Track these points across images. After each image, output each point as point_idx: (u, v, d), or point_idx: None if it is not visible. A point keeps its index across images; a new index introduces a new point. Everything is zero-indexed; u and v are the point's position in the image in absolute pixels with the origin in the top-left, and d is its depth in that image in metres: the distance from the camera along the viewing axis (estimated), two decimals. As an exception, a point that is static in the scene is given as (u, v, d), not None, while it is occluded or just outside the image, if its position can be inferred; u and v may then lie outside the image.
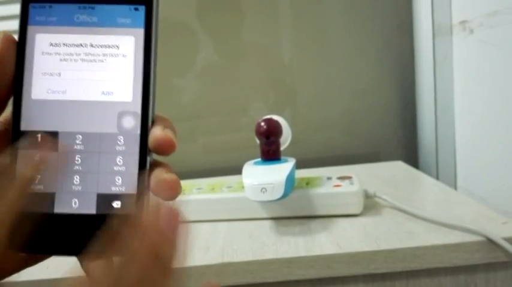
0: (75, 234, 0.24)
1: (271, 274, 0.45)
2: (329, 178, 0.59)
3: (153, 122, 0.25)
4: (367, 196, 0.57)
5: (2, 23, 0.86)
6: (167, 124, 0.25)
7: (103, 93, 0.25)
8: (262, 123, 0.58)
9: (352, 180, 0.57)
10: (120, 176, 0.25)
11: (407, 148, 0.91)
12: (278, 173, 0.52)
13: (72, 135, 0.25)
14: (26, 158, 0.23)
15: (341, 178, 0.59)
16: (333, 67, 0.90)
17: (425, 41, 0.81)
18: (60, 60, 0.25)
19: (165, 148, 0.24)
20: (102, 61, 0.25)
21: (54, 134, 0.25)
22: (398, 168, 0.81)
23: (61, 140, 0.24)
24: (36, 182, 0.24)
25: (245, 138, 0.85)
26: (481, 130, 0.69)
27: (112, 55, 0.25)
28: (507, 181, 0.61)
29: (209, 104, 0.92)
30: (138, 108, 0.25)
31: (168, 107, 0.90)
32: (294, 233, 0.51)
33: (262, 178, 0.51)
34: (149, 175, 0.25)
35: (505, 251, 0.43)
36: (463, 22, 0.72)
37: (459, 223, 0.47)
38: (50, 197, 0.24)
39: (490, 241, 0.44)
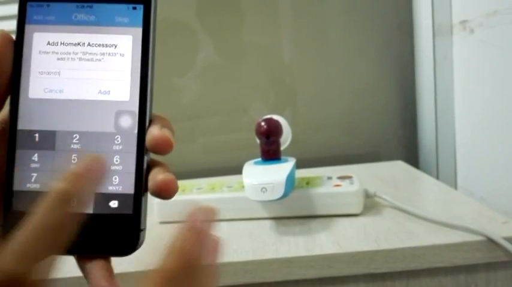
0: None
1: (271, 274, 0.45)
2: (329, 178, 0.59)
3: (150, 122, 0.25)
4: (368, 196, 0.57)
5: (1, 23, 0.86)
6: (165, 123, 0.25)
7: (100, 92, 0.25)
8: (263, 123, 0.58)
9: (352, 180, 0.57)
10: (117, 175, 0.24)
11: (407, 148, 0.91)
12: (278, 173, 0.52)
13: (69, 134, 0.24)
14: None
15: (341, 178, 0.59)
16: (333, 67, 0.90)
17: (425, 41, 0.81)
18: (58, 59, 0.25)
19: (162, 147, 0.24)
20: (100, 60, 0.25)
21: (51, 133, 0.25)
22: (398, 168, 0.81)
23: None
24: (32, 180, 0.24)
25: (245, 138, 0.85)
26: (481, 130, 0.69)
27: (110, 54, 0.25)
28: (507, 180, 0.61)
29: (209, 104, 0.92)
30: (135, 107, 0.25)
31: (168, 107, 0.90)
32: (294, 233, 0.51)
33: (262, 178, 0.51)
34: (147, 175, 0.25)
35: (505, 250, 0.43)
36: (463, 22, 0.72)
37: (459, 223, 0.47)
38: None
39: (491, 241, 0.44)
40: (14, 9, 0.26)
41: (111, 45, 0.25)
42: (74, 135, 0.24)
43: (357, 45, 0.90)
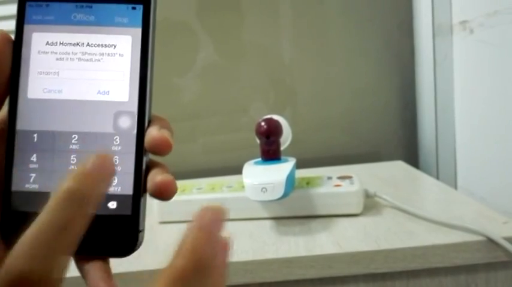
0: None
1: (272, 274, 0.45)
2: (329, 178, 0.59)
3: (149, 122, 0.25)
4: (368, 196, 0.57)
5: (0, 23, 0.86)
6: (164, 124, 0.25)
7: (99, 92, 0.25)
8: (263, 123, 0.58)
9: (352, 180, 0.57)
10: (116, 176, 0.24)
11: (407, 148, 0.91)
12: (278, 173, 0.52)
13: (67, 135, 0.24)
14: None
15: (341, 178, 0.59)
16: (333, 67, 0.90)
17: (425, 41, 0.81)
18: (57, 59, 0.25)
19: (161, 148, 0.24)
20: (99, 60, 0.25)
21: (50, 134, 0.24)
22: (398, 168, 0.81)
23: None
24: (31, 181, 0.24)
25: (245, 138, 0.85)
26: (481, 130, 0.69)
27: (109, 54, 0.25)
28: (507, 180, 0.61)
29: (209, 104, 0.92)
30: (134, 108, 0.25)
31: (168, 107, 0.90)
32: (294, 233, 0.51)
33: (262, 178, 0.51)
34: (145, 176, 0.25)
35: (505, 250, 0.43)
36: (463, 22, 0.72)
37: (459, 223, 0.47)
38: (45, 197, 0.24)
39: (491, 241, 0.44)
40: (13, 9, 0.26)
41: (111, 46, 0.25)
42: (73, 136, 0.24)
43: (357, 45, 0.90)
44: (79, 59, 0.25)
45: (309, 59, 0.90)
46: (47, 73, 0.25)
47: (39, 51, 0.25)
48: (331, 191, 0.55)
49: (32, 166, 0.24)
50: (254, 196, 0.50)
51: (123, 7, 0.25)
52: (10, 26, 0.25)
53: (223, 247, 0.19)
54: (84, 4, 0.25)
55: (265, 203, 0.56)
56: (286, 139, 0.61)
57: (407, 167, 0.81)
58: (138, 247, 0.25)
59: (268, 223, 0.56)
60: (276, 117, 0.59)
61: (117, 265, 0.25)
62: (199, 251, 0.18)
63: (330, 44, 0.90)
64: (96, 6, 0.25)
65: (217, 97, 0.92)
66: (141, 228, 0.25)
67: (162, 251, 0.48)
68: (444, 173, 0.80)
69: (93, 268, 0.24)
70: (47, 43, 0.25)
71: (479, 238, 0.44)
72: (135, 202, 0.24)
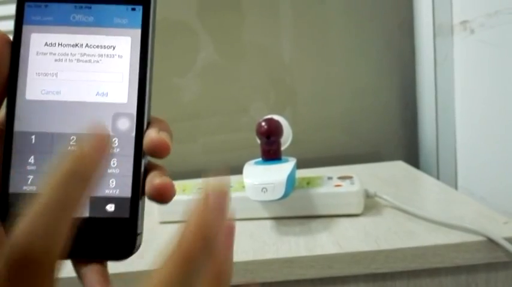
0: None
1: (272, 274, 0.45)
2: (330, 178, 0.59)
3: (148, 124, 0.25)
4: (368, 196, 0.57)
5: (1, 23, 0.86)
6: (163, 126, 0.25)
7: (98, 94, 0.25)
8: (263, 123, 0.58)
9: (352, 180, 0.57)
10: (114, 178, 0.24)
11: (407, 148, 0.91)
12: (279, 173, 0.52)
13: (66, 136, 0.24)
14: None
15: (342, 178, 0.58)
16: (334, 67, 0.90)
17: (426, 41, 0.81)
18: (55, 60, 0.25)
19: (160, 151, 0.24)
20: (98, 62, 0.25)
21: (48, 135, 0.24)
22: (398, 168, 0.81)
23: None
24: (29, 183, 0.24)
25: (245, 138, 0.85)
26: (481, 130, 0.69)
27: (108, 56, 0.25)
28: (507, 180, 0.61)
29: (209, 104, 0.92)
30: (133, 110, 0.25)
31: (169, 107, 0.90)
32: (295, 233, 0.51)
33: (263, 178, 0.51)
34: (144, 178, 0.24)
35: (505, 251, 0.43)
36: (463, 22, 0.72)
37: (460, 223, 0.47)
38: None
39: (491, 241, 0.44)
40: (11, 9, 0.26)
41: (110, 47, 0.25)
42: (71, 138, 0.24)
43: (358, 45, 0.89)
44: (78, 60, 0.25)
45: (309, 59, 0.90)
46: (46, 74, 0.25)
47: (37, 52, 0.25)
48: (331, 191, 0.55)
49: (29, 167, 0.24)
50: (254, 196, 0.50)
51: (122, 8, 0.25)
52: (9, 26, 0.25)
53: (229, 227, 0.19)
54: (83, 5, 0.25)
55: (265, 203, 0.56)
56: (286, 139, 0.61)
57: (407, 167, 0.81)
58: (137, 250, 0.24)
59: (268, 223, 0.56)
60: (276, 117, 0.59)
61: (118, 265, 0.25)
62: (205, 228, 0.18)
63: (330, 44, 0.90)
64: (95, 7, 0.25)
65: (217, 97, 0.92)
66: (139, 231, 0.24)
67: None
68: (444, 173, 0.80)
69: (90, 271, 0.23)
70: (46, 44, 0.25)
71: (480, 238, 0.44)
72: (133, 204, 0.24)
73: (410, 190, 0.67)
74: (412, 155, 0.90)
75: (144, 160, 0.25)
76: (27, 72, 0.24)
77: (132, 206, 0.24)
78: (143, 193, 0.24)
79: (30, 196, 0.23)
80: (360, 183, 0.56)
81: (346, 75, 0.90)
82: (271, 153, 0.58)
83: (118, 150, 0.24)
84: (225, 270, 0.19)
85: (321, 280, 0.45)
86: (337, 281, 0.45)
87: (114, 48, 0.25)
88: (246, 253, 0.47)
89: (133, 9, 0.25)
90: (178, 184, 0.62)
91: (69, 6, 0.25)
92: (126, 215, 0.24)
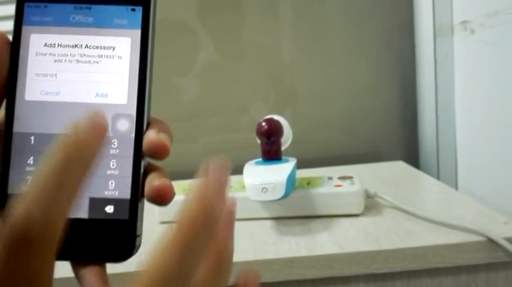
0: (67, 238, 0.24)
1: (272, 274, 0.45)
2: (330, 178, 0.59)
3: (148, 125, 0.25)
4: (368, 196, 0.57)
5: (0, 24, 0.86)
6: (162, 127, 0.25)
7: (98, 95, 0.24)
8: (263, 123, 0.58)
9: (353, 180, 0.57)
10: (114, 180, 0.24)
11: (408, 148, 0.91)
12: (279, 173, 0.52)
13: None
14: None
15: (342, 178, 0.58)
16: (334, 67, 0.90)
17: (426, 41, 0.81)
18: (55, 61, 0.25)
19: (158, 153, 0.24)
20: (98, 62, 0.25)
21: (47, 136, 0.24)
22: (399, 168, 0.81)
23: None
24: (27, 184, 0.24)
25: (246, 138, 0.85)
26: (481, 130, 0.69)
27: (107, 56, 0.25)
28: (508, 180, 0.61)
29: (209, 104, 0.92)
30: (133, 111, 0.24)
31: (169, 107, 0.90)
32: (295, 233, 0.51)
33: (263, 178, 0.51)
34: (143, 180, 0.24)
35: (506, 251, 0.43)
36: (464, 22, 0.72)
37: (460, 223, 0.47)
38: None
39: (491, 241, 0.44)
40: (11, 9, 0.26)
41: (109, 48, 0.25)
42: None
43: (358, 45, 0.89)
44: (77, 61, 0.25)
45: (309, 59, 0.90)
46: (45, 75, 0.25)
47: (37, 53, 0.25)
48: (331, 191, 0.55)
49: (29, 168, 0.24)
50: (255, 196, 0.50)
51: (122, 9, 0.25)
52: (8, 26, 0.25)
53: (230, 205, 0.19)
54: (83, 5, 0.25)
55: (265, 203, 0.56)
56: (286, 139, 0.61)
57: (407, 167, 0.81)
58: (136, 252, 0.24)
59: (268, 223, 0.56)
60: (276, 117, 0.59)
61: (117, 265, 0.25)
62: (207, 202, 0.18)
63: (330, 44, 0.90)
64: (95, 7, 0.25)
65: (217, 97, 0.92)
66: (138, 233, 0.24)
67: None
68: (445, 173, 0.80)
69: (89, 272, 0.23)
70: (45, 45, 0.25)
71: (480, 238, 0.44)
72: (132, 206, 0.24)
73: (411, 190, 0.67)
74: (412, 155, 0.90)
75: (143, 161, 0.24)
76: (27, 73, 0.24)
77: (132, 208, 0.24)
78: (142, 195, 0.24)
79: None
80: (360, 183, 0.56)
81: (346, 75, 0.90)
82: (271, 153, 0.58)
83: (117, 151, 0.24)
84: (226, 254, 0.19)
85: (321, 280, 0.45)
86: (337, 281, 0.45)
87: (113, 49, 0.25)
88: (246, 253, 0.47)
89: (133, 9, 0.25)
90: (178, 184, 0.62)
91: (68, 6, 0.25)
92: (126, 216, 0.24)
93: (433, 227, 0.48)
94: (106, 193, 0.24)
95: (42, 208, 0.16)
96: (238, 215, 0.63)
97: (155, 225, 0.58)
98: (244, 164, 0.58)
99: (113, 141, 0.24)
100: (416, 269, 0.44)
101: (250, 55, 0.91)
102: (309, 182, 0.58)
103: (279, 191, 0.49)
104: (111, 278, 0.24)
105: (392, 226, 0.50)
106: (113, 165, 0.24)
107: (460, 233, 0.46)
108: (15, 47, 0.24)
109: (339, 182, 0.57)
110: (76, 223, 0.23)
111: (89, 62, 0.25)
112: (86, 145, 0.17)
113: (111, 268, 0.24)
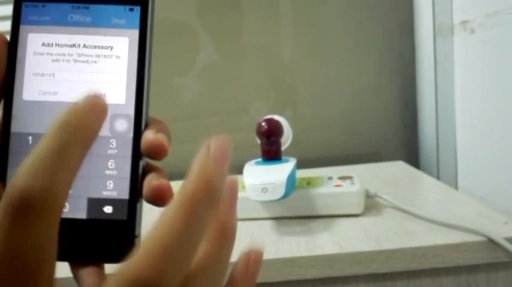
0: (65, 239, 0.23)
1: (272, 274, 0.45)
2: (330, 178, 0.59)
3: (146, 125, 0.25)
4: (368, 196, 0.57)
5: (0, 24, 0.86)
6: (160, 128, 0.25)
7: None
8: (263, 124, 0.58)
9: (353, 180, 0.57)
10: (112, 180, 0.24)
11: (408, 148, 0.91)
12: (279, 173, 0.52)
13: None
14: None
15: (342, 178, 0.58)
16: (334, 67, 0.90)
17: (426, 41, 0.81)
18: (53, 60, 0.25)
19: (156, 153, 0.24)
20: (95, 62, 0.25)
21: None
22: (399, 168, 0.81)
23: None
24: None
25: (246, 138, 0.84)
26: (481, 130, 0.69)
27: (105, 56, 0.25)
28: (508, 180, 0.61)
29: (209, 104, 0.92)
30: (131, 111, 0.24)
31: (169, 107, 0.90)
32: (295, 233, 0.51)
33: (263, 178, 0.51)
34: (142, 180, 0.24)
35: (506, 251, 0.43)
36: (464, 22, 0.72)
37: (460, 223, 0.47)
38: None
39: (491, 241, 0.44)
40: (8, 9, 0.25)
41: (107, 47, 0.25)
42: None
43: (358, 45, 0.89)
44: (75, 61, 0.25)
45: (309, 59, 0.90)
46: (43, 75, 0.24)
47: (34, 53, 0.24)
48: (331, 191, 0.55)
49: None
50: (255, 196, 0.50)
51: (120, 8, 0.25)
52: (6, 26, 0.25)
53: (231, 182, 0.19)
54: (81, 5, 0.25)
55: (266, 203, 0.56)
56: (286, 139, 0.61)
57: (407, 167, 0.81)
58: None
59: (269, 223, 0.56)
60: (276, 117, 0.59)
61: (116, 265, 0.24)
62: (208, 174, 0.18)
63: (330, 44, 0.90)
64: (93, 7, 0.25)
65: (217, 97, 0.92)
66: (137, 233, 0.24)
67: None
68: (445, 173, 0.80)
69: (87, 273, 0.23)
70: (43, 44, 0.25)
71: (480, 238, 0.44)
72: (131, 206, 0.24)
73: (411, 190, 0.67)
74: (412, 155, 0.90)
75: (142, 161, 0.24)
76: (24, 72, 0.24)
77: (130, 208, 0.24)
78: (141, 195, 0.24)
79: None
80: (360, 183, 0.56)
81: (346, 75, 0.90)
82: (271, 153, 0.58)
83: (116, 151, 0.24)
84: (228, 229, 0.19)
85: (322, 280, 0.45)
86: (337, 281, 0.45)
87: (111, 49, 0.25)
88: (247, 253, 0.47)
89: (131, 9, 0.25)
90: (178, 184, 0.62)
91: (66, 6, 0.25)
92: (124, 217, 0.24)
93: (433, 227, 0.48)
94: (104, 193, 0.24)
95: (43, 177, 0.16)
96: (238, 215, 0.63)
97: (155, 225, 0.58)
98: (244, 164, 0.58)
99: (111, 141, 0.24)
100: (417, 269, 0.44)
101: (250, 55, 0.91)
102: (309, 182, 0.58)
103: (279, 191, 0.49)
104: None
105: (392, 226, 0.50)
106: (111, 165, 0.24)
107: (460, 233, 0.46)
108: (12, 46, 0.24)
109: (339, 182, 0.57)
110: (74, 223, 0.23)
111: (87, 61, 0.25)
112: (86, 123, 0.17)
113: (110, 268, 0.24)
